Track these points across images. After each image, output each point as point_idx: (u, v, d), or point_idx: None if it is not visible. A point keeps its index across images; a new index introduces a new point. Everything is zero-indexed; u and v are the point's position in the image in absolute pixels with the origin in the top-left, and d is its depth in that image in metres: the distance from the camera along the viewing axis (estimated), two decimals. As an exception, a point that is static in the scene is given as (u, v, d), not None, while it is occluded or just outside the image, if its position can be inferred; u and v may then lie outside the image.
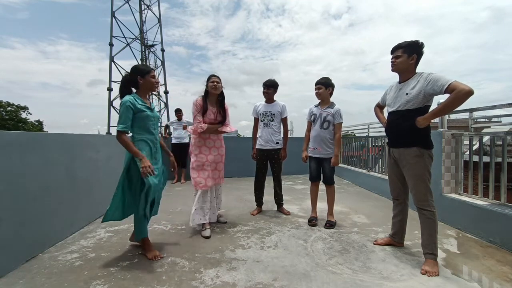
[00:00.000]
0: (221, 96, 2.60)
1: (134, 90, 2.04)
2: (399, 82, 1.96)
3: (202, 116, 2.48)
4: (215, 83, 2.49)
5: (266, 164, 3.05)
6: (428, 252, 1.81)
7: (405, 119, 1.85)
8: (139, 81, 1.96)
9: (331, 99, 2.72)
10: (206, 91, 2.54)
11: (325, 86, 2.64)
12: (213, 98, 2.56)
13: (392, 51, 1.93)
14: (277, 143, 2.97)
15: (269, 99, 3.00)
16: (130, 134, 1.95)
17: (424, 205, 1.83)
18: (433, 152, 1.86)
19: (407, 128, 1.84)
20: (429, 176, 1.83)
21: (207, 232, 2.40)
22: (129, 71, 2.03)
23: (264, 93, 2.98)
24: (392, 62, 1.92)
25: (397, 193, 2.11)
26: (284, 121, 3.04)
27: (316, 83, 2.69)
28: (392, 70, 1.96)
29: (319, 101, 2.74)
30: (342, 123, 2.64)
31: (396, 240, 2.15)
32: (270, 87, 2.95)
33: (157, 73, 24.07)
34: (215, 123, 2.53)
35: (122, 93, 1.99)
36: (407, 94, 1.83)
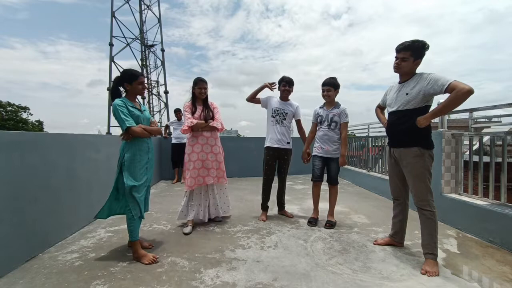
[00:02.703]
0: (205, 97, 2.72)
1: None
2: (399, 83, 1.95)
3: (191, 115, 2.61)
4: (203, 90, 2.63)
5: (275, 165, 2.92)
6: (428, 252, 1.81)
7: (405, 119, 1.85)
8: (125, 87, 2.00)
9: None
10: (194, 94, 2.67)
11: (334, 88, 2.61)
12: (199, 100, 2.69)
13: (399, 50, 1.85)
14: (288, 142, 2.88)
15: (286, 97, 2.90)
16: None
17: (424, 205, 1.83)
18: (435, 151, 1.86)
19: (408, 128, 1.83)
20: (429, 176, 1.83)
21: (187, 229, 2.49)
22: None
23: (284, 90, 2.83)
24: (396, 63, 1.88)
25: (398, 193, 2.11)
26: (298, 123, 2.98)
27: (325, 84, 2.62)
28: (395, 71, 1.94)
29: (324, 102, 2.71)
30: (348, 122, 2.63)
31: (396, 240, 2.15)
32: (292, 85, 2.86)
33: (157, 73, 24.09)
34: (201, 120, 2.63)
35: (113, 95, 2.02)
36: (407, 94, 1.83)
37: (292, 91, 2.90)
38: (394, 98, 1.94)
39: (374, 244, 2.20)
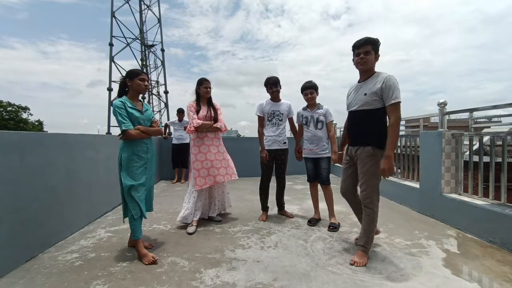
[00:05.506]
0: (209, 97, 2.78)
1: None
2: (359, 81, 1.96)
3: (196, 115, 2.65)
4: (208, 89, 2.70)
5: (272, 166, 2.95)
6: (360, 244, 1.92)
7: (362, 119, 1.88)
8: (127, 83, 2.03)
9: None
10: (198, 94, 2.73)
11: (316, 91, 2.71)
12: (204, 100, 2.75)
13: (360, 46, 1.83)
14: (284, 143, 2.90)
15: (277, 97, 2.90)
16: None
17: (368, 203, 1.88)
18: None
19: (365, 128, 1.86)
20: (379, 176, 1.86)
21: (191, 229, 2.50)
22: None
23: (274, 92, 2.83)
24: (361, 58, 1.83)
25: (344, 190, 2.12)
26: (291, 121, 2.99)
27: (307, 88, 2.69)
28: (361, 69, 1.89)
29: (306, 104, 2.77)
30: (333, 120, 2.72)
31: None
32: (278, 84, 2.85)
33: (157, 73, 24.07)
34: (207, 121, 2.68)
35: (119, 94, 2.09)
36: (365, 94, 1.84)
37: (280, 90, 2.88)
38: (354, 98, 1.95)
39: (355, 241, 2.20)
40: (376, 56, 1.85)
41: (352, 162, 2.01)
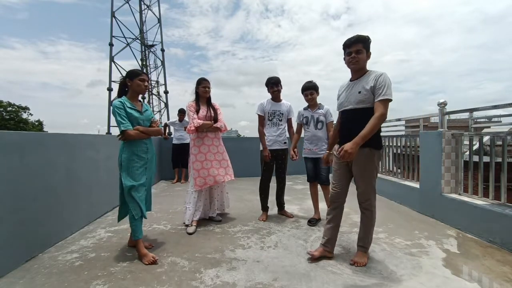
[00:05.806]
0: (208, 97, 2.79)
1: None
2: (351, 80, 1.90)
3: (196, 115, 2.66)
4: (207, 88, 2.70)
5: (273, 166, 2.94)
6: (360, 245, 1.92)
7: (358, 118, 1.78)
8: (127, 83, 2.04)
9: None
10: (197, 94, 2.73)
11: (316, 91, 2.71)
12: (203, 100, 2.75)
13: (351, 44, 1.77)
14: (284, 143, 2.90)
15: (278, 97, 2.90)
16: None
17: (366, 205, 1.88)
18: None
19: (361, 127, 1.70)
20: (376, 176, 1.86)
21: (191, 229, 2.50)
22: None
23: (274, 91, 2.84)
24: (353, 58, 1.78)
25: (337, 195, 1.97)
26: (289, 121, 3.00)
27: (308, 88, 2.69)
28: (353, 68, 1.84)
29: (307, 104, 2.77)
30: (333, 121, 2.69)
31: (327, 249, 1.97)
32: (279, 84, 2.85)
33: (157, 73, 24.06)
34: (208, 121, 2.68)
35: (119, 94, 2.10)
36: (359, 92, 1.78)
37: (281, 89, 2.88)
38: (346, 97, 1.88)
39: (309, 254, 1.95)
40: (368, 54, 1.79)
41: (345, 163, 1.93)
